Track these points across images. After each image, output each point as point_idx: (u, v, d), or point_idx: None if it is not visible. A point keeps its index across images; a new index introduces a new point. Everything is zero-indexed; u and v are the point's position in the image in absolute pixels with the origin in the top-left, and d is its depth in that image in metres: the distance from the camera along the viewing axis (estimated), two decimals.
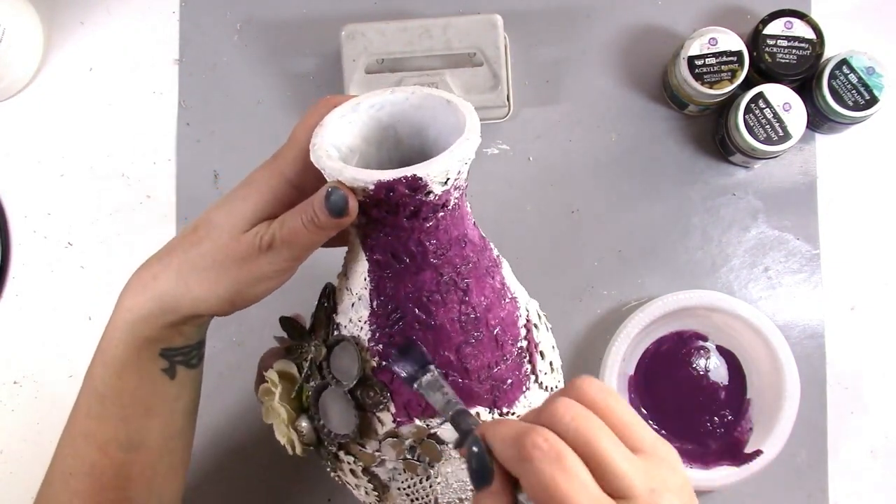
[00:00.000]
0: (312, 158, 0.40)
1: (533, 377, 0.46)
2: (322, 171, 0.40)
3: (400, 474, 0.45)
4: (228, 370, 0.69)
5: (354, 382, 0.43)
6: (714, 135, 0.69)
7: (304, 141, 0.42)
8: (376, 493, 0.47)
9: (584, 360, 0.69)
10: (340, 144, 0.42)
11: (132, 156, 0.72)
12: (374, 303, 0.43)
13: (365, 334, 0.43)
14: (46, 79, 0.73)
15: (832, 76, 0.63)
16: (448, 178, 0.39)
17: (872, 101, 0.63)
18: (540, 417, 0.34)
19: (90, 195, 0.72)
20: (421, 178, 0.38)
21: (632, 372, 0.68)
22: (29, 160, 0.72)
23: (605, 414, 0.34)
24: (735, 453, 0.64)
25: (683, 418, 0.67)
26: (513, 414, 0.45)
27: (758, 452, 0.63)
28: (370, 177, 0.38)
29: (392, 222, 0.40)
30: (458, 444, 0.37)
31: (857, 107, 0.63)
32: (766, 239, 0.69)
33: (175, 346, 0.45)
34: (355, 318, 0.44)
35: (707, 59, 0.64)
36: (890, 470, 0.67)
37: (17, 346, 0.71)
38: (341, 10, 0.71)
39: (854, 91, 0.63)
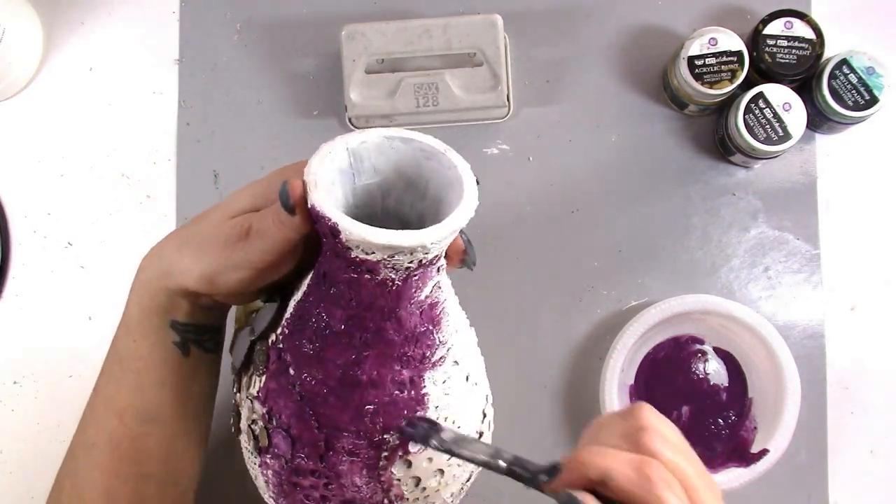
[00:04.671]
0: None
1: (378, 469, 0.44)
2: None
3: (244, 435, 0.47)
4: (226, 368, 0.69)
5: (254, 338, 0.45)
6: (714, 135, 0.69)
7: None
8: (233, 431, 0.49)
9: (584, 360, 0.69)
10: (365, 157, 0.41)
11: (132, 156, 0.72)
12: (301, 297, 0.43)
13: (288, 313, 0.44)
14: (46, 79, 0.73)
15: (832, 76, 0.63)
16: (373, 252, 0.37)
17: (872, 101, 0.63)
18: (640, 447, 0.38)
19: (90, 195, 0.72)
20: (340, 232, 0.37)
21: (632, 381, 0.68)
22: (29, 160, 0.72)
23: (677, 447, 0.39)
24: (742, 453, 0.64)
25: (687, 423, 0.67)
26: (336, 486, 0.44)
27: (764, 451, 0.63)
28: (310, 199, 0.38)
29: (327, 247, 0.40)
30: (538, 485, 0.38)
31: (857, 107, 0.63)
32: (766, 239, 0.69)
33: (181, 321, 0.47)
34: (296, 296, 0.44)
35: (707, 59, 0.64)
36: (890, 470, 0.67)
37: (17, 346, 0.71)
38: (341, 10, 0.71)
39: (854, 91, 0.63)
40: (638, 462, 0.36)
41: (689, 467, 0.38)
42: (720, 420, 0.67)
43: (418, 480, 0.45)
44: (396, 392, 0.42)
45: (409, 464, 0.45)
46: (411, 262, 0.38)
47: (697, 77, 0.64)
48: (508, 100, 0.68)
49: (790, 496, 0.67)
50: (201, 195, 0.71)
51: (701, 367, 0.68)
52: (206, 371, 0.50)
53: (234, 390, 0.49)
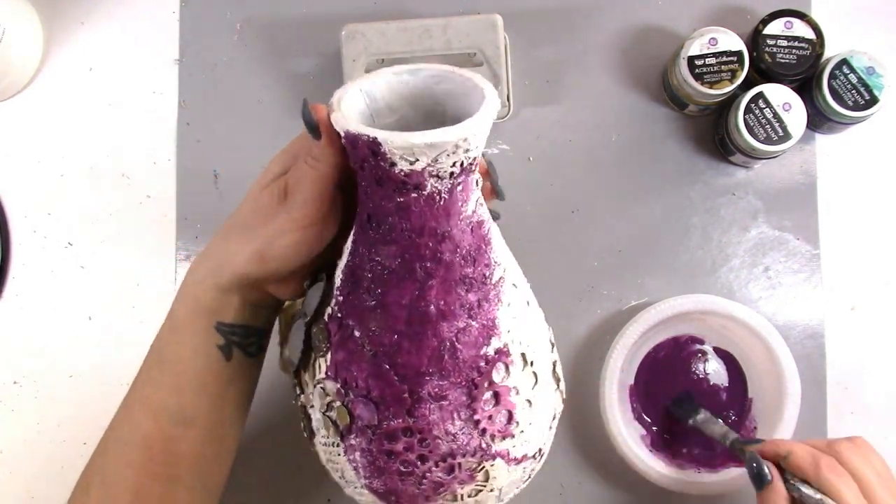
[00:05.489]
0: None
1: (468, 408, 0.43)
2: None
3: (321, 429, 0.46)
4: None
5: (309, 318, 0.45)
6: (714, 135, 0.69)
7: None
8: (307, 437, 0.48)
9: (584, 360, 0.69)
10: (379, 97, 0.42)
11: (132, 156, 0.72)
12: (349, 258, 0.43)
13: (338, 281, 0.44)
14: (46, 79, 0.73)
15: (832, 76, 0.63)
16: (416, 159, 0.37)
17: (872, 101, 0.63)
18: (830, 450, 0.52)
19: (90, 195, 0.72)
20: (381, 145, 0.37)
21: (632, 381, 0.68)
22: (29, 160, 0.72)
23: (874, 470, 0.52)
24: None
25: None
26: (421, 431, 0.43)
27: None
28: (343, 124, 0.38)
29: (367, 181, 0.40)
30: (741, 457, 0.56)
31: (857, 107, 0.63)
32: (766, 239, 0.69)
33: (227, 322, 0.46)
34: (341, 263, 0.44)
35: (707, 59, 0.64)
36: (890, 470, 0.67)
37: (17, 346, 0.71)
38: (341, 10, 0.71)
39: (854, 91, 0.63)
40: (818, 453, 0.51)
41: (873, 475, 0.50)
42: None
43: (510, 415, 0.44)
44: (467, 318, 0.42)
45: (498, 397, 0.44)
46: (454, 164, 0.38)
47: (697, 77, 0.64)
48: (508, 100, 0.68)
49: None
50: (201, 195, 0.71)
51: (701, 367, 0.68)
52: (245, 377, 0.49)
53: (297, 394, 0.48)
